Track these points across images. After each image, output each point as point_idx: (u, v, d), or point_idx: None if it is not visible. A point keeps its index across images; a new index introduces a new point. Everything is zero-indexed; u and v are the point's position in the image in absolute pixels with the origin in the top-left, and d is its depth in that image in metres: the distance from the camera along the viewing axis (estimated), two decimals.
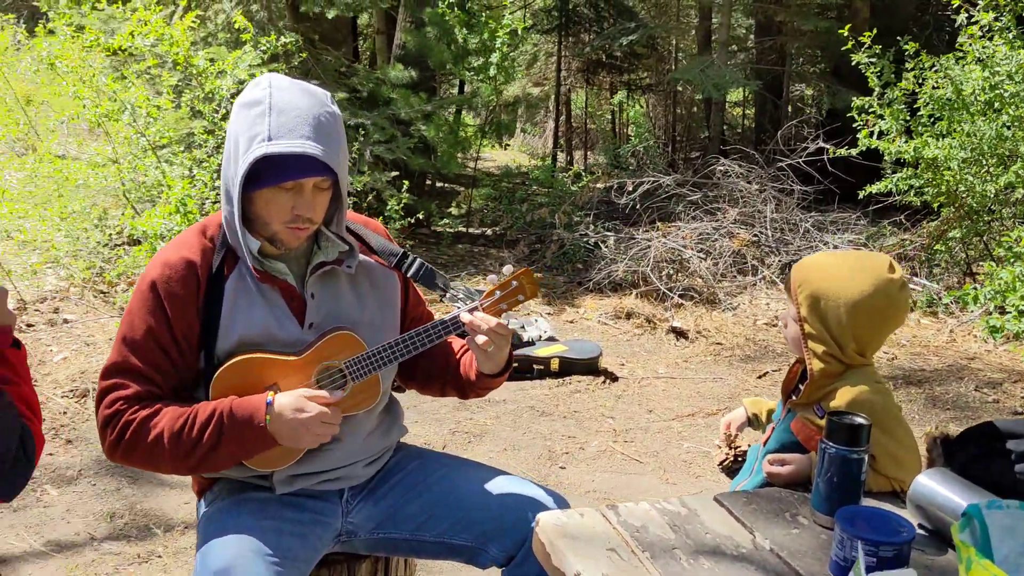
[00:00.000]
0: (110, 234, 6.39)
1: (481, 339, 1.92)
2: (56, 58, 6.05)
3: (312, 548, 1.93)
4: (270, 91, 1.78)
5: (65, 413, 4.29)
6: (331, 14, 6.71)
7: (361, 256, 1.99)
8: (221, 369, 1.85)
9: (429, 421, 4.53)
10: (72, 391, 4.50)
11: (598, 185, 9.84)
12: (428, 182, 9.30)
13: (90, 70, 5.83)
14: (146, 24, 5.69)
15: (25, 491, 3.53)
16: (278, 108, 1.75)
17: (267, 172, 1.77)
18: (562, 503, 2.02)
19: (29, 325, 5.30)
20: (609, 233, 7.89)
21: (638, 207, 7.98)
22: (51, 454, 3.87)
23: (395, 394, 2.20)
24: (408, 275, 2.03)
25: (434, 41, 6.90)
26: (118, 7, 6.32)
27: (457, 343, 2.17)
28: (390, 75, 6.93)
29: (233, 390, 1.85)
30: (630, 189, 7.94)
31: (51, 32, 6.35)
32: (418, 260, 2.04)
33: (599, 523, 1.61)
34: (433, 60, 7.19)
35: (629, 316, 6.49)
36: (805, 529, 1.61)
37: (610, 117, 18.15)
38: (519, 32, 8.27)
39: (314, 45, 6.95)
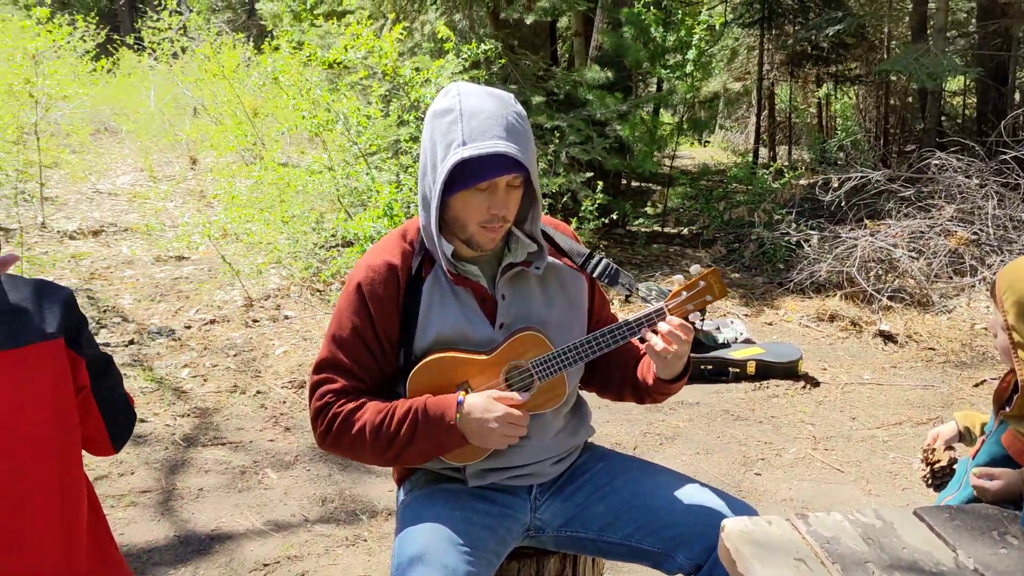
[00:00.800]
0: (325, 236, 6.83)
1: (660, 343, 1.91)
2: (279, 73, 6.54)
3: (500, 540, 1.99)
4: (459, 98, 1.85)
5: (284, 403, 4.63)
6: (530, 19, 6.85)
7: (550, 258, 2.03)
8: (417, 367, 1.95)
9: (620, 421, 4.54)
10: (291, 382, 4.86)
11: (801, 182, 9.46)
12: (624, 182, 9.29)
13: (308, 83, 6.26)
14: (358, 38, 6.04)
15: (249, 473, 3.86)
16: (469, 113, 1.82)
17: (463, 175, 1.84)
18: (751, 514, 1.98)
19: (255, 320, 5.77)
20: (812, 232, 7.58)
21: (844, 204, 7.61)
22: (272, 440, 4.19)
23: (583, 394, 2.23)
24: (594, 275, 2.05)
25: (631, 40, 6.90)
26: (333, 23, 6.74)
27: (636, 346, 2.18)
28: (587, 76, 6.98)
29: (428, 387, 1.94)
30: (836, 185, 7.58)
31: (276, 49, 6.87)
32: (604, 260, 2.05)
33: (787, 532, 1.57)
34: (629, 60, 7.18)
35: (832, 319, 6.22)
36: (1014, 550, 1.50)
37: (815, 111, 17.39)
38: (716, 27, 8.09)
39: (513, 50, 7.11)
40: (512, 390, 1.94)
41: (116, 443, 1.81)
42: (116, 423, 1.78)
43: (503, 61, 6.70)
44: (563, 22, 10.30)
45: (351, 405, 1.96)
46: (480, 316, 1.98)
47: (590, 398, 2.24)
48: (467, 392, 1.92)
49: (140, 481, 3.78)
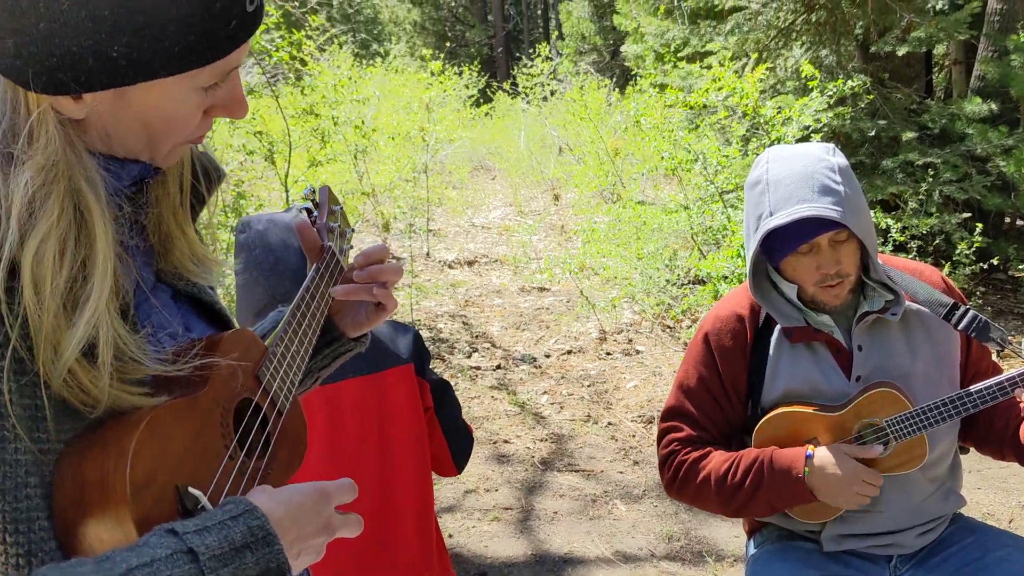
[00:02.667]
0: (678, 274, 6.94)
1: None
2: (641, 115, 6.80)
3: None
4: (767, 167, 1.87)
5: (634, 436, 4.78)
6: (902, 51, 6.48)
7: (913, 304, 1.94)
8: (764, 419, 1.96)
9: (994, 489, 4.11)
10: (640, 416, 5.00)
11: None
12: (1007, 222, 8.37)
13: (669, 124, 6.43)
14: (719, 79, 6.11)
15: (600, 502, 4.04)
16: (774, 182, 1.83)
17: (782, 241, 1.85)
18: None
19: (608, 353, 6.01)
20: None
21: None
22: (621, 472, 4.35)
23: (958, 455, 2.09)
24: (959, 328, 1.92)
25: (1019, 70, 6.24)
26: (696, 65, 6.87)
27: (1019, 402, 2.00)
28: (965, 109, 6.43)
29: (774, 440, 1.94)
30: None
31: (639, 91, 7.13)
32: (971, 312, 1.91)
33: None
34: (1016, 90, 6.50)
35: None
36: None
37: None
38: None
39: (883, 84, 6.76)
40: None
41: (459, 463, 2.11)
42: (458, 444, 2.07)
43: (871, 97, 6.40)
44: (939, 49, 9.56)
45: (696, 454, 2.01)
46: (834, 368, 1.94)
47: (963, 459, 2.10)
48: (815, 446, 1.90)
49: (503, 498, 4.11)
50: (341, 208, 1.36)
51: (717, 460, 1.97)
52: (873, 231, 1.90)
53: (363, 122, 7.15)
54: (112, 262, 0.86)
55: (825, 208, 1.76)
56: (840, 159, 1.87)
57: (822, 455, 1.85)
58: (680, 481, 2.02)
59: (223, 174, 1.12)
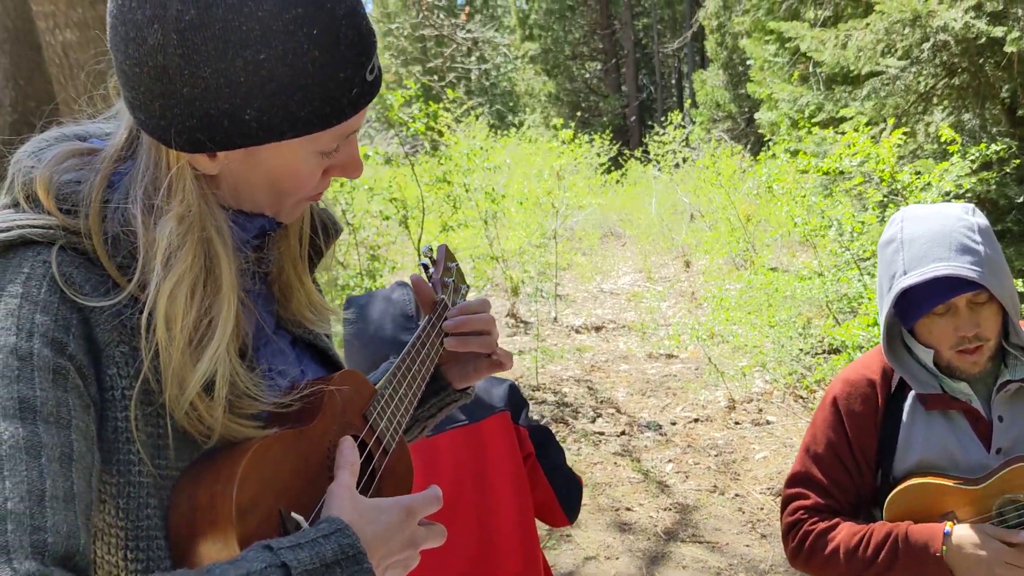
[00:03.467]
0: (812, 343, 6.73)
1: None
2: (774, 180, 6.71)
3: None
4: (902, 225, 1.81)
5: (762, 508, 4.63)
6: None
7: None
8: (896, 491, 1.86)
9: None
10: (769, 489, 4.84)
11: None
12: None
13: (802, 190, 6.32)
14: (854, 145, 5.98)
15: (724, 575, 3.91)
16: (909, 240, 1.76)
17: (916, 303, 1.78)
18: None
19: (737, 422, 5.87)
20: None
21: None
22: (748, 546, 4.21)
23: None
24: None
25: None
26: (829, 131, 6.75)
27: None
28: None
29: (907, 513, 1.84)
30: None
31: (772, 156, 7.06)
32: None
33: None
34: None
35: None
36: None
37: None
38: None
39: None
40: (1006, 527, 1.77)
41: (569, 513, 2.11)
42: (565, 491, 2.07)
43: (1018, 161, 6.12)
44: None
45: (824, 524, 1.93)
46: (972, 439, 1.84)
47: None
48: (954, 523, 1.80)
49: (624, 567, 4.04)
50: (457, 265, 1.42)
51: (847, 532, 1.89)
52: (1015, 295, 1.81)
53: (493, 189, 7.34)
54: (235, 306, 0.94)
55: (963, 267, 1.69)
56: (980, 219, 1.80)
57: (962, 533, 1.75)
58: (807, 552, 1.95)
59: (340, 229, 1.20)
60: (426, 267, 1.38)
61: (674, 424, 5.94)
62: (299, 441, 0.96)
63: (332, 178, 1.05)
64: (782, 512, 2.02)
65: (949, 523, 1.78)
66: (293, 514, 0.92)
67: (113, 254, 0.90)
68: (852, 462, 1.94)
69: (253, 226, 1.02)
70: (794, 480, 2.02)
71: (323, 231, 1.17)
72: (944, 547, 1.74)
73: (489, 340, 1.31)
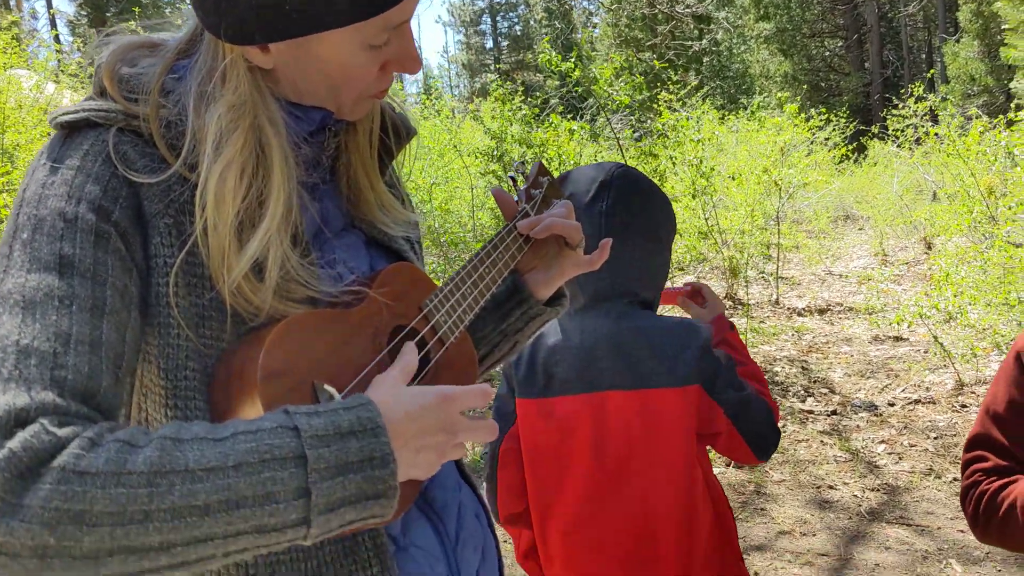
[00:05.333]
0: None
1: None
2: (1015, 146, 6.10)
3: None
4: None
5: None
6: None
7: None
8: None
9: None
10: None
11: None
12: None
13: None
14: None
15: (931, 560, 3.65)
16: None
17: None
18: None
19: (963, 406, 5.41)
20: None
21: None
22: (962, 531, 3.89)
23: None
24: None
25: None
26: None
27: None
28: None
29: None
30: None
31: (1010, 124, 6.42)
32: None
33: None
34: None
35: None
36: None
37: None
38: None
39: None
40: None
41: (759, 454, 1.82)
42: (749, 425, 1.79)
43: None
44: None
45: (1001, 482, 1.77)
46: None
47: None
48: None
49: (820, 544, 3.87)
50: (550, 179, 1.42)
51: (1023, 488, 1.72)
52: None
53: (702, 161, 7.17)
54: (287, 193, 1.00)
55: None
56: None
57: None
58: (983, 515, 1.77)
59: (413, 132, 1.24)
60: (514, 179, 1.38)
61: (892, 405, 5.57)
62: (338, 320, 0.99)
63: None
64: (961, 479, 1.86)
65: None
66: (326, 386, 0.93)
67: (166, 135, 0.98)
68: None
69: (312, 119, 1.07)
70: (972, 443, 1.85)
71: (395, 133, 1.21)
72: None
73: (571, 228, 1.26)
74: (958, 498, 4.19)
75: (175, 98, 1.00)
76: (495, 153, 6.87)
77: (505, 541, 3.94)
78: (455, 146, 8.57)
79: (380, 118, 1.19)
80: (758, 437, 1.79)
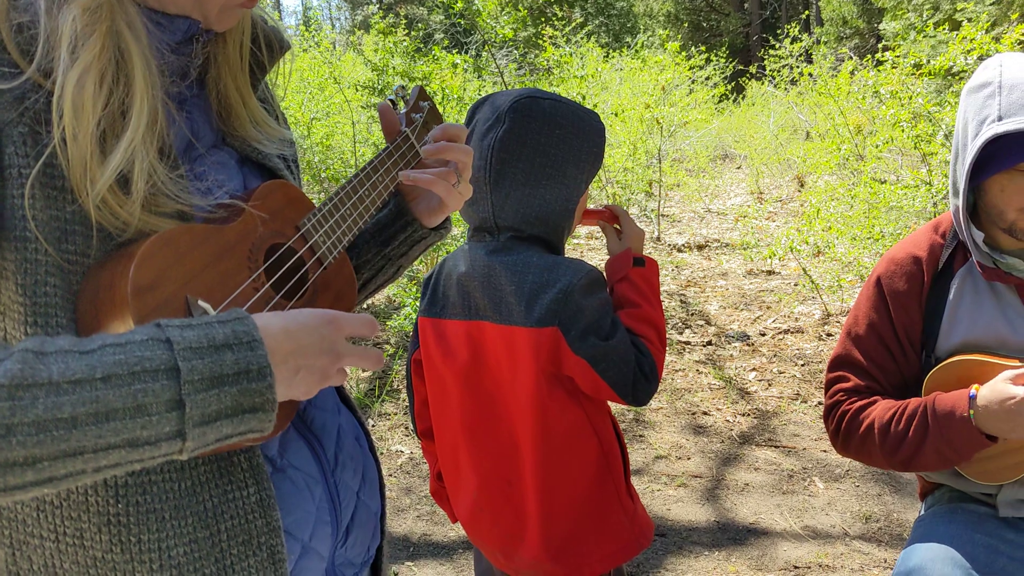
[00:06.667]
0: None
1: None
2: (880, 84, 6.36)
3: None
4: (1000, 69, 1.65)
5: None
6: None
7: None
8: (935, 368, 1.78)
9: None
10: None
11: None
12: None
13: (908, 93, 5.97)
14: (971, 42, 5.58)
15: (796, 478, 3.85)
16: (1010, 84, 1.61)
17: (999, 156, 1.64)
18: None
19: (828, 334, 5.70)
20: None
21: None
22: (825, 451, 4.12)
23: None
24: None
25: None
26: (944, 28, 6.33)
27: None
28: None
29: (945, 389, 1.75)
30: None
31: (878, 64, 6.67)
32: None
33: None
34: None
35: None
36: None
37: None
38: None
39: None
40: None
41: (628, 400, 1.73)
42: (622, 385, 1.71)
43: None
44: None
45: (861, 403, 1.86)
46: (1023, 317, 1.74)
47: None
48: (979, 386, 1.69)
49: (694, 466, 4.03)
50: (430, 104, 1.41)
51: (881, 408, 1.80)
52: None
53: (584, 98, 7.20)
54: (150, 103, 0.95)
55: None
56: None
57: (984, 392, 1.63)
58: (844, 433, 1.88)
59: (287, 46, 1.20)
60: (394, 103, 1.36)
61: (763, 335, 5.81)
62: (212, 236, 0.97)
63: None
64: (824, 396, 1.95)
65: (975, 386, 1.68)
66: (200, 301, 0.91)
67: (17, 39, 0.92)
68: (895, 343, 1.85)
69: (178, 29, 1.02)
70: (834, 363, 1.94)
71: (267, 47, 1.17)
72: (972, 410, 1.64)
73: (445, 185, 1.26)
74: (822, 420, 4.44)
75: (24, 2, 0.93)
76: (377, 86, 6.73)
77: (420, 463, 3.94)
78: (335, 79, 8.35)
79: (252, 31, 1.15)
80: (622, 385, 1.69)
